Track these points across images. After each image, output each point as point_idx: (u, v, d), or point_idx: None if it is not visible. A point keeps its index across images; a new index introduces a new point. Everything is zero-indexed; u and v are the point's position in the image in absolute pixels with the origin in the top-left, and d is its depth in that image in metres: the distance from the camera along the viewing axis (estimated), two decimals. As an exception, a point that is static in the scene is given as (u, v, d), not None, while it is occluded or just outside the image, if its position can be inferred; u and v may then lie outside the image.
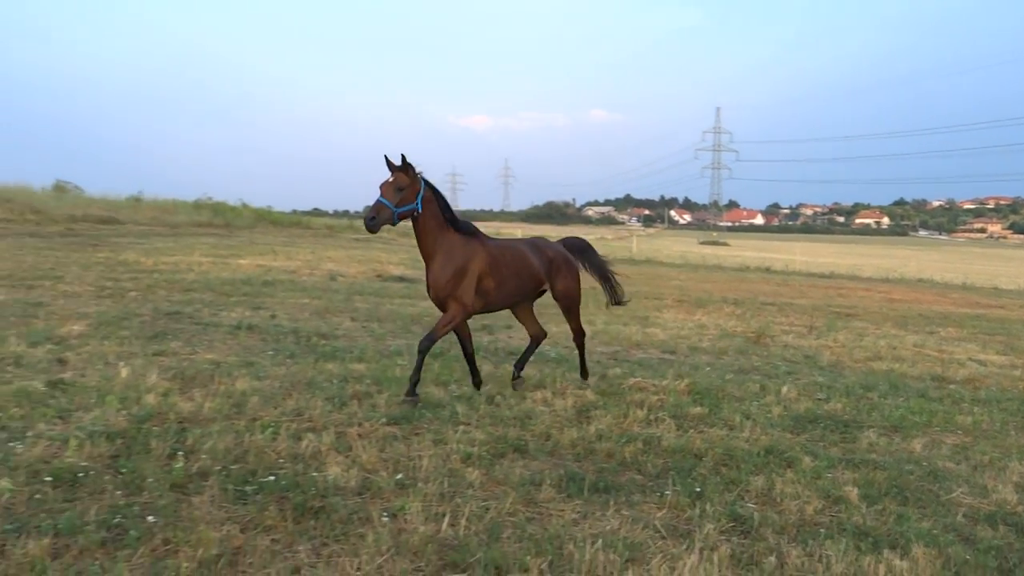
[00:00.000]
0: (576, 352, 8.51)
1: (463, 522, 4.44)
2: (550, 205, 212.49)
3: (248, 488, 4.71)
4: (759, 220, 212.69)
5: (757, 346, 11.86)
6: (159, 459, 5.11)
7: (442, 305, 7.15)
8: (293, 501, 4.55)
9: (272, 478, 4.85)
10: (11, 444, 5.21)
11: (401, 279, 19.66)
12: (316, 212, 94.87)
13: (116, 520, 4.18)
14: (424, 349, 6.99)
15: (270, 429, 5.79)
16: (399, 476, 5.09)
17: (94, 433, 5.45)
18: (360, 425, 6.12)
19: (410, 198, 6.85)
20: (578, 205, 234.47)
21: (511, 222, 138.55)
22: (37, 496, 4.46)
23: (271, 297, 14.13)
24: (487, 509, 4.68)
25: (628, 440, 6.19)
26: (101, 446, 5.25)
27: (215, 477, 4.84)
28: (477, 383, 7.61)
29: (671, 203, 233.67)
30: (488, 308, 7.45)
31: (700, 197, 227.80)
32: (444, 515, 4.50)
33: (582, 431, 6.38)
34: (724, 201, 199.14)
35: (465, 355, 7.61)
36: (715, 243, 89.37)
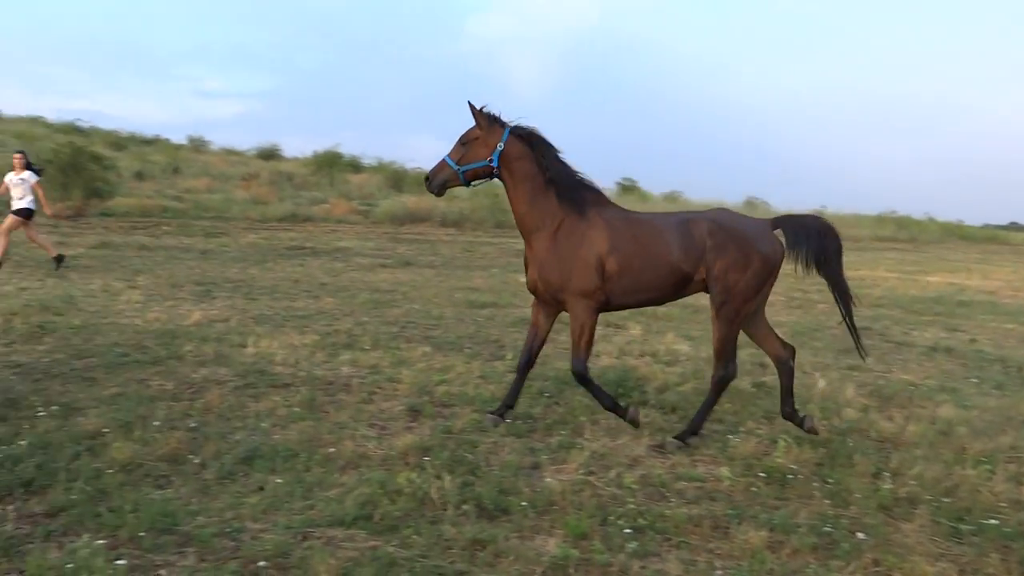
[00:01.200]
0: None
1: None
2: None
3: (963, 527, 4.34)
4: None
5: None
6: (863, 476, 5.06)
7: (545, 297, 5.70)
8: (1019, 553, 4.03)
9: (993, 522, 4.37)
10: (728, 436, 5.76)
11: None
12: (1014, 226, 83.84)
13: (825, 528, 4.26)
14: (581, 372, 5.58)
15: (984, 466, 5.25)
16: None
17: (800, 438, 5.69)
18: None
19: (481, 154, 5.57)
20: None
21: None
22: (752, 489, 4.83)
23: (967, 319, 13.02)
24: None
25: None
26: (806, 452, 5.44)
27: (925, 507, 4.57)
28: (501, 409, 5.83)
29: None
30: (607, 301, 5.59)
31: None
32: None
33: None
34: None
35: (521, 366, 5.88)
36: None
